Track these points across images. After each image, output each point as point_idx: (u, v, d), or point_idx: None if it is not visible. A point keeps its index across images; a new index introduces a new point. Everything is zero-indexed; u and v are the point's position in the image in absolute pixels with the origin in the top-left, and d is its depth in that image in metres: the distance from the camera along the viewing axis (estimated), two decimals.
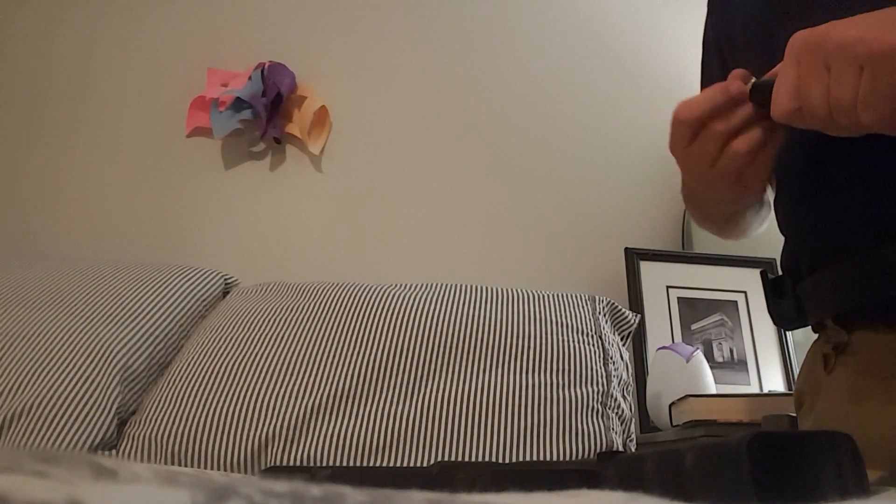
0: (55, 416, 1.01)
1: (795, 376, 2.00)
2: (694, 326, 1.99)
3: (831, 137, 0.54)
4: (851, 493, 0.31)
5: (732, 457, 0.29)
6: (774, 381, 2.00)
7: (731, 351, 2.00)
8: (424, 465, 1.00)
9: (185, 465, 0.99)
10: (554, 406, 1.07)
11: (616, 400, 1.14)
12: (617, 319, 1.36)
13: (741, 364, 1.96)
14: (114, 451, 1.02)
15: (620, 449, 1.08)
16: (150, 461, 0.99)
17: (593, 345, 1.19)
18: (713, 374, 1.77)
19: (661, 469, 0.32)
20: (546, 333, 1.18)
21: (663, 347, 1.67)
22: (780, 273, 0.73)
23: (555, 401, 1.07)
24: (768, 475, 0.28)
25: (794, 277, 0.69)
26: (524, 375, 1.10)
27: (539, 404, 1.07)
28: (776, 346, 2.03)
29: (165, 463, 0.99)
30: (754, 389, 1.94)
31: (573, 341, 1.17)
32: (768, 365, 2.01)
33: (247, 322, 1.20)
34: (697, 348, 1.86)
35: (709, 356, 1.94)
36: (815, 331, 0.72)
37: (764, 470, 0.28)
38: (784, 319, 0.72)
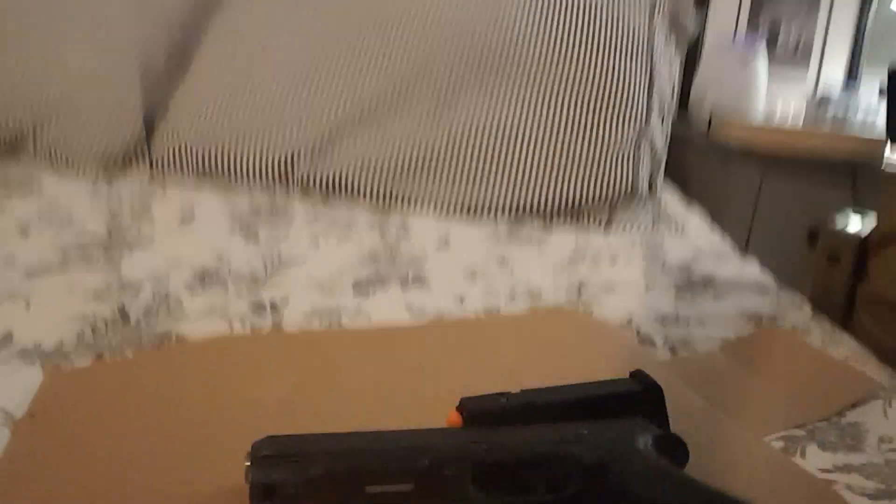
0: (82, 121, 1.02)
1: (860, 67, 1.85)
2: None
3: None
4: None
5: None
6: (835, 72, 1.87)
7: (799, 38, 1.83)
8: (443, 193, 1.03)
9: (215, 178, 1.02)
10: (586, 144, 1.04)
11: (651, 135, 1.10)
12: (676, 24, 1.23)
13: (804, 54, 1.81)
14: (146, 162, 1.04)
15: (645, 187, 1.08)
16: (181, 174, 1.03)
17: (641, 72, 1.10)
18: (769, 69, 1.65)
19: None
20: (592, 55, 1.08)
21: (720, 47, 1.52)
22: None
23: (587, 139, 1.04)
24: None
25: None
26: (559, 105, 1.05)
27: (571, 140, 1.04)
28: (850, 34, 1.85)
29: (195, 175, 1.02)
30: (810, 84, 1.84)
31: (619, 68, 1.08)
32: (833, 55, 1.86)
33: (266, 18, 1.11)
34: (761, 38, 1.70)
35: (772, 43, 1.78)
36: None
37: None
38: None
